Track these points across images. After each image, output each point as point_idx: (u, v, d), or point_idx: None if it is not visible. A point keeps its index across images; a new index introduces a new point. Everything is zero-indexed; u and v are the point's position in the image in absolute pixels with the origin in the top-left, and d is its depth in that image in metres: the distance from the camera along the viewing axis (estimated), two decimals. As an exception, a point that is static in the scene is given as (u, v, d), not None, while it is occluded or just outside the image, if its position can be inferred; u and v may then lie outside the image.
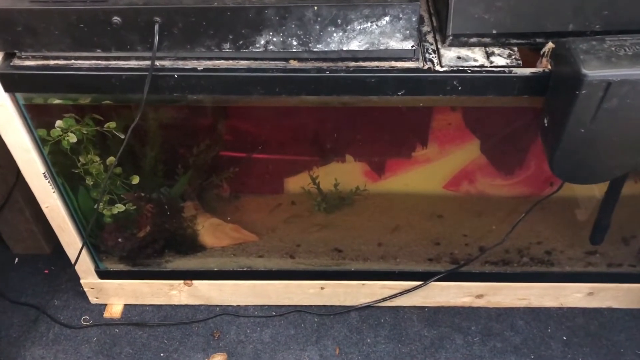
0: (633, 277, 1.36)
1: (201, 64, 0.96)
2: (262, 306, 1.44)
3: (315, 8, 0.88)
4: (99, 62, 0.97)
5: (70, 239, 1.27)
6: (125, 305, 1.45)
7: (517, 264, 1.37)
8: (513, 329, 1.39)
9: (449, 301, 1.42)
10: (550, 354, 1.34)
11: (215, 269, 1.38)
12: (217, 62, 0.97)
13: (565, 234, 1.35)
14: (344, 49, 0.93)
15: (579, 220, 1.33)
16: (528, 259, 1.36)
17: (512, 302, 1.41)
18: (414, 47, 0.93)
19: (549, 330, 1.38)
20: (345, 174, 1.27)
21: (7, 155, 1.10)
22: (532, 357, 1.34)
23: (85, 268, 1.36)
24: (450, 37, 0.96)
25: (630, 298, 1.39)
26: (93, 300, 1.45)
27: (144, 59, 0.96)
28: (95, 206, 1.19)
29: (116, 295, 1.43)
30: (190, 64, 0.96)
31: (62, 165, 1.15)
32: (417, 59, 0.96)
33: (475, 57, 0.96)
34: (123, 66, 0.97)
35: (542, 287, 1.38)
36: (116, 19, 0.89)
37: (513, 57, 0.96)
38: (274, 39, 0.91)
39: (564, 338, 1.37)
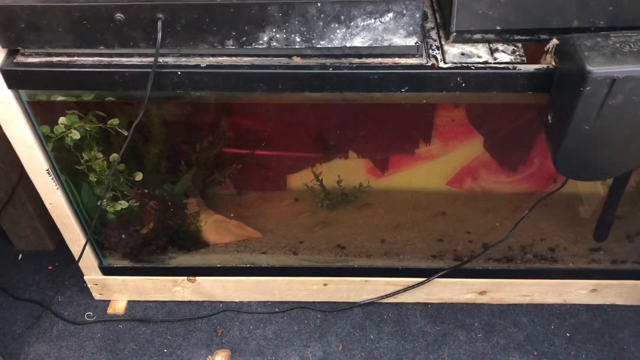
0: (637, 273, 1.36)
1: (204, 61, 0.96)
2: (265, 302, 1.45)
3: (319, 4, 0.88)
4: (102, 58, 0.97)
5: (73, 235, 1.27)
6: (128, 301, 1.46)
7: (521, 260, 1.36)
8: (516, 325, 1.39)
9: (452, 298, 1.42)
10: (554, 350, 1.34)
11: (219, 266, 1.38)
12: (220, 58, 0.97)
13: (568, 231, 1.35)
14: (348, 45, 0.92)
15: (583, 217, 1.33)
16: (531, 255, 1.36)
17: (515, 298, 1.41)
18: (417, 44, 0.92)
19: (552, 327, 1.38)
20: (348, 170, 1.26)
21: (11, 151, 1.11)
22: (535, 353, 1.34)
23: (88, 264, 1.36)
24: (454, 34, 0.96)
25: (634, 295, 1.39)
26: (97, 296, 1.46)
27: (147, 55, 0.96)
28: (99, 203, 1.19)
29: (120, 292, 1.44)
30: (194, 61, 0.96)
31: (65, 162, 1.15)
32: (421, 56, 0.96)
33: (479, 53, 0.96)
34: (126, 63, 0.97)
35: (545, 284, 1.38)
36: (119, 15, 0.89)
37: (517, 53, 0.95)
38: (277, 36, 0.91)
39: (568, 334, 1.37)
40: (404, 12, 0.88)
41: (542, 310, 1.41)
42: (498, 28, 0.95)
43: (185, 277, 1.40)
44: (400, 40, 0.91)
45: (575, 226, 1.35)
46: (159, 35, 0.90)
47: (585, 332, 1.37)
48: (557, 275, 1.36)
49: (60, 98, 1.05)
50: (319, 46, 0.93)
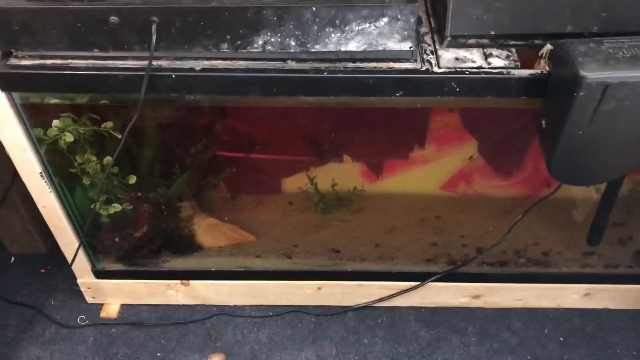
0: (630, 278, 1.36)
1: (199, 64, 0.96)
2: (259, 306, 1.44)
3: (314, 8, 0.88)
4: (96, 61, 0.97)
5: (66, 238, 1.26)
6: (122, 305, 1.45)
7: (514, 264, 1.37)
8: (510, 329, 1.39)
9: (446, 302, 1.42)
10: (547, 354, 1.34)
11: (213, 269, 1.38)
12: (214, 62, 0.97)
13: (562, 235, 1.35)
14: (342, 49, 0.92)
15: (576, 221, 1.34)
16: (525, 259, 1.36)
17: (509, 302, 1.42)
18: (412, 48, 0.92)
19: (546, 331, 1.39)
20: (342, 174, 1.26)
21: (4, 154, 1.10)
22: (529, 357, 1.34)
23: (81, 268, 1.35)
24: (449, 38, 0.96)
25: (626, 299, 1.39)
26: (90, 300, 1.45)
27: (141, 58, 0.96)
28: (92, 206, 1.18)
29: (113, 295, 1.43)
30: (188, 64, 0.96)
31: (58, 165, 1.15)
32: (415, 60, 0.96)
33: (473, 58, 0.96)
34: (120, 66, 0.96)
35: (539, 288, 1.38)
36: (113, 18, 0.89)
37: (511, 58, 0.96)
38: (272, 40, 0.91)
39: (561, 339, 1.37)
40: (399, 16, 0.89)
41: (536, 315, 1.41)
42: (492, 33, 0.95)
43: (179, 281, 1.39)
44: (395, 44, 0.92)
45: (569, 231, 1.35)
46: (154, 38, 0.90)
47: (579, 337, 1.37)
48: (551, 280, 1.37)
49: (53, 101, 1.05)
50: (313, 50, 0.93)
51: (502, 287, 1.38)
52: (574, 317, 1.41)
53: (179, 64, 0.96)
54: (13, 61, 0.97)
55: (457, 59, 0.96)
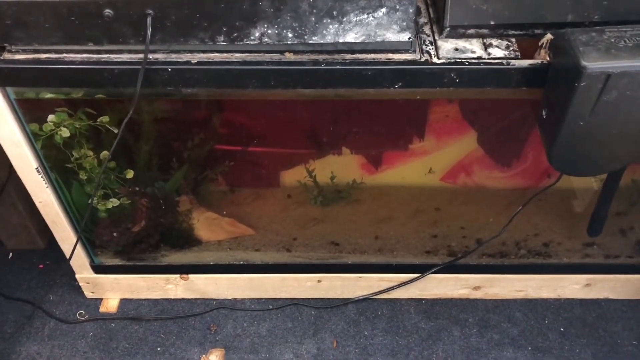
0: (630, 268, 1.36)
1: (195, 57, 0.95)
2: (259, 299, 1.44)
3: (311, -1, 0.87)
4: (91, 55, 0.96)
5: (64, 233, 1.26)
6: (121, 299, 1.45)
7: (515, 256, 1.36)
8: (510, 320, 1.39)
9: (447, 293, 1.42)
10: (548, 345, 1.34)
11: (212, 263, 1.37)
12: (211, 55, 0.96)
13: (562, 226, 1.35)
14: (340, 41, 0.91)
15: (577, 212, 1.33)
16: (525, 251, 1.36)
17: (509, 293, 1.41)
18: (410, 39, 0.91)
19: (546, 322, 1.39)
20: (341, 166, 1.26)
21: (-1, 150, 1.09)
22: (530, 348, 1.34)
23: (80, 263, 1.35)
24: (448, 29, 0.95)
25: (627, 289, 1.39)
26: (89, 294, 1.44)
27: (136, 52, 0.95)
28: (90, 201, 1.18)
29: (112, 290, 1.43)
30: (184, 57, 0.95)
31: (55, 160, 1.14)
32: (414, 51, 0.95)
33: (473, 48, 0.95)
34: (115, 60, 0.95)
35: (539, 279, 1.38)
36: (108, 11, 0.88)
37: (511, 48, 0.95)
38: (269, 31, 0.90)
39: (561, 329, 1.37)
40: (397, 7, 0.87)
41: (536, 305, 1.41)
42: (492, 23, 0.94)
43: (178, 275, 1.39)
44: (394, 35, 0.91)
45: (569, 221, 1.35)
46: (149, 31, 0.88)
47: (579, 327, 1.38)
48: (551, 270, 1.36)
49: (48, 95, 1.04)
50: (311, 42, 0.91)
51: (503, 278, 1.38)
52: (575, 308, 1.41)
53: (174, 57, 0.95)
54: (6, 56, 0.96)
55: (456, 49, 0.95)
